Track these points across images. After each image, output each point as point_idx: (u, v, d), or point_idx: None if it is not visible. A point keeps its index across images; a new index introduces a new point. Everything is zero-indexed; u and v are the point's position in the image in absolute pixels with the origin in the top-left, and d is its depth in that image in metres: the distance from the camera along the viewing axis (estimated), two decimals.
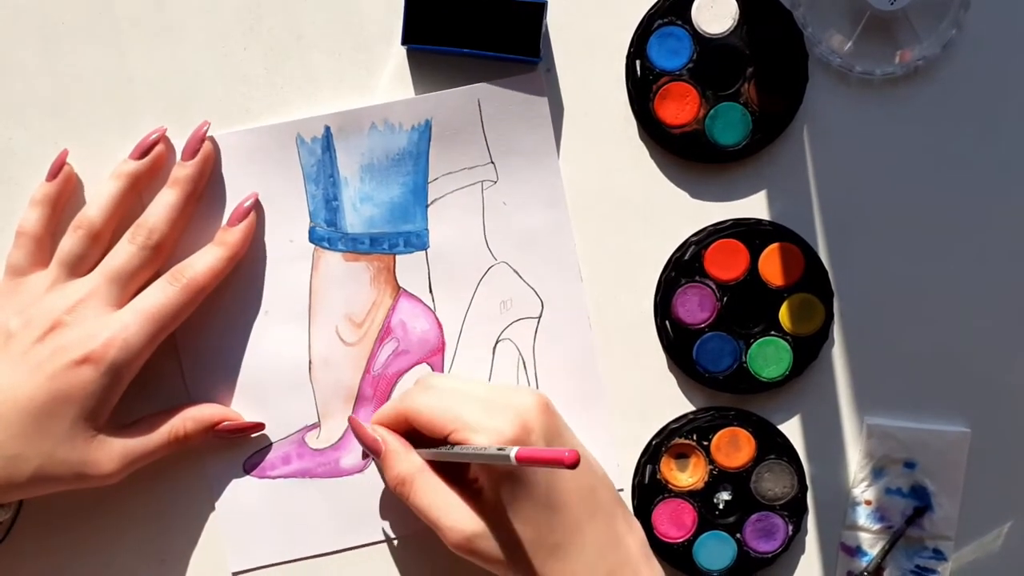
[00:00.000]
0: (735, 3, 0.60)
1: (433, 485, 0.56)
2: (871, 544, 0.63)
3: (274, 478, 0.62)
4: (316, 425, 0.62)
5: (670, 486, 0.62)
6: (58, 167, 0.60)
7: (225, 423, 0.61)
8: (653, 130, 0.61)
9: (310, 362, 0.62)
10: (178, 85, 0.61)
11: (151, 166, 0.60)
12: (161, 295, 0.58)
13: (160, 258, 0.60)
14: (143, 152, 0.60)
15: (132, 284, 0.59)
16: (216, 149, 0.61)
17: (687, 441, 0.62)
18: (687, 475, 0.63)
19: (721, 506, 0.62)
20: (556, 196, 0.62)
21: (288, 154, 0.61)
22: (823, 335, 0.62)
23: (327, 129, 0.61)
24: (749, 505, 0.62)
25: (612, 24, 0.61)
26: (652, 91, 0.61)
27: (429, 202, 0.62)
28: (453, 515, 0.55)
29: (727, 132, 0.61)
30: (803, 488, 0.62)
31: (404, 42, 0.59)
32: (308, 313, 0.62)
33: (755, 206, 0.62)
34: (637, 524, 0.59)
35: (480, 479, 0.56)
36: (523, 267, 0.62)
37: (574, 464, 0.48)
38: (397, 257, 0.62)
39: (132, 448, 0.58)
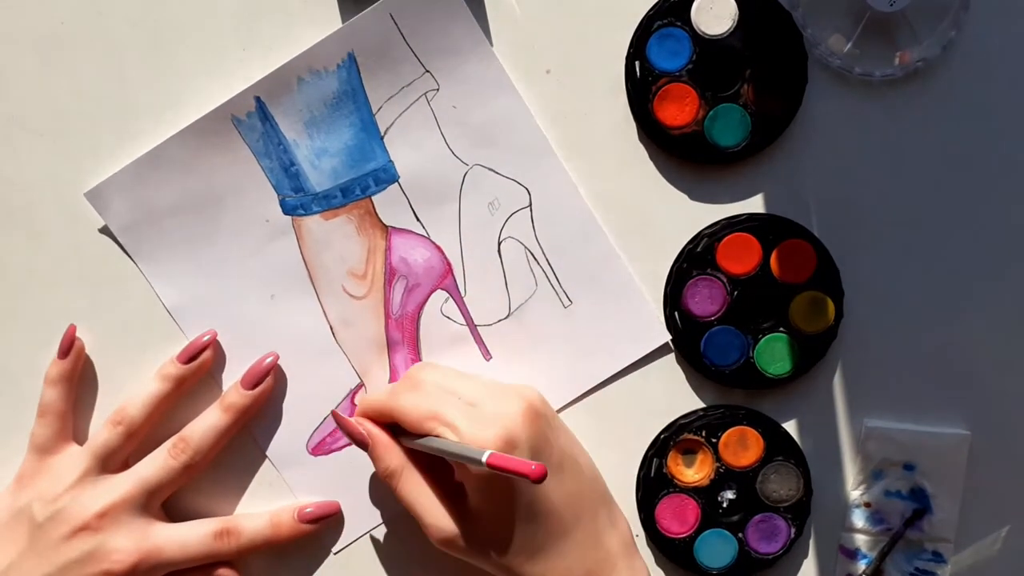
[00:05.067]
0: (734, 4, 0.58)
1: (417, 482, 0.56)
2: (870, 547, 0.61)
3: (340, 449, 0.61)
4: (360, 385, 0.61)
5: (676, 481, 0.61)
6: (68, 344, 0.59)
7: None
8: (652, 131, 0.59)
9: (331, 327, 0.61)
10: (176, 86, 0.60)
11: (196, 371, 0.59)
12: (211, 545, 0.58)
13: (194, 475, 0.59)
14: (190, 356, 0.59)
15: (162, 495, 0.58)
16: (277, 380, 0.60)
17: (696, 437, 0.60)
18: (693, 471, 0.61)
19: (725, 504, 0.61)
20: (501, 81, 0.59)
21: (230, 138, 0.59)
22: (831, 334, 0.60)
23: (258, 100, 0.59)
24: (753, 505, 0.61)
25: (611, 25, 0.60)
26: (651, 92, 0.59)
27: (382, 133, 0.59)
28: (435, 513, 0.55)
29: (727, 133, 0.59)
30: (808, 492, 0.60)
31: None
32: (311, 283, 0.61)
33: (754, 208, 0.60)
34: (622, 519, 0.59)
35: (465, 483, 0.55)
36: (496, 162, 0.60)
37: (540, 479, 0.48)
38: (374, 198, 0.60)
39: None
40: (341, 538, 0.62)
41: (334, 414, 0.57)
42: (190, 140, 0.59)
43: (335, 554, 0.62)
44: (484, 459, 0.49)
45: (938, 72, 0.60)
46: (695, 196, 0.61)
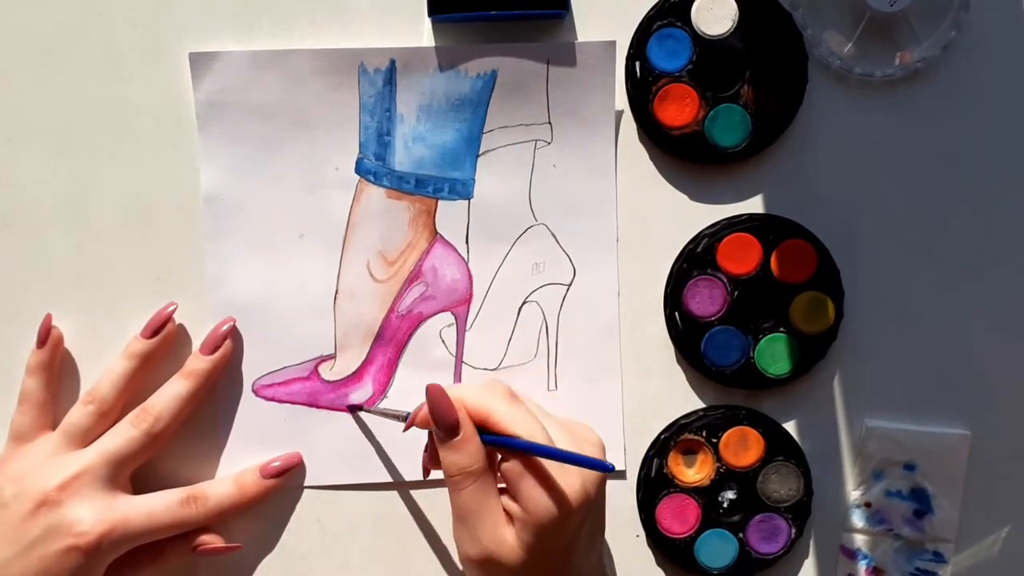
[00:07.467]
0: (734, 4, 0.58)
1: (490, 491, 0.52)
2: (871, 547, 0.62)
3: (281, 402, 0.61)
4: (332, 356, 0.61)
5: (676, 481, 0.60)
6: (45, 333, 0.58)
7: (202, 547, 0.59)
8: (652, 132, 0.59)
9: (336, 292, 0.60)
10: (176, 85, 0.60)
11: (161, 344, 0.59)
12: (178, 512, 0.57)
13: (159, 444, 0.58)
14: (154, 331, 0.58)
15: (128, 467, 0.57)
16: (235, 342, 0.60)
17: (696, 437, 0.60)
18: (694, 471, 0.61)
19: (725, 504, 0.61)
20: (606, 168, 0.60)
21: (348, 81, 0.59)
22: (832, 334, 0.60)
23: (392, 62, 0.59)
24: (754, 505, 0.60)
25: (611, 25, 0.59)
26: (652, 92, 0.59)
27: (480, 152, 0.60)
28: (496, 529, 0.51)
29: (727, 134, 0.59)
30: (809, 492, 0.60)
31: (431, 14, 0.58)
32: (342, 243, 0.60)
33: (754, 208, 0.60)
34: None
35: (513, 518, 0.52)
36: (562, 232, 0.60)
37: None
38: (439, 202, 0.60)
39: None
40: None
41: (433, 387, 0.52)
42: (314, 62, 0.59)
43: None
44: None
45: (938, 72, 0.60)
46: (695, 196, 0.61)
